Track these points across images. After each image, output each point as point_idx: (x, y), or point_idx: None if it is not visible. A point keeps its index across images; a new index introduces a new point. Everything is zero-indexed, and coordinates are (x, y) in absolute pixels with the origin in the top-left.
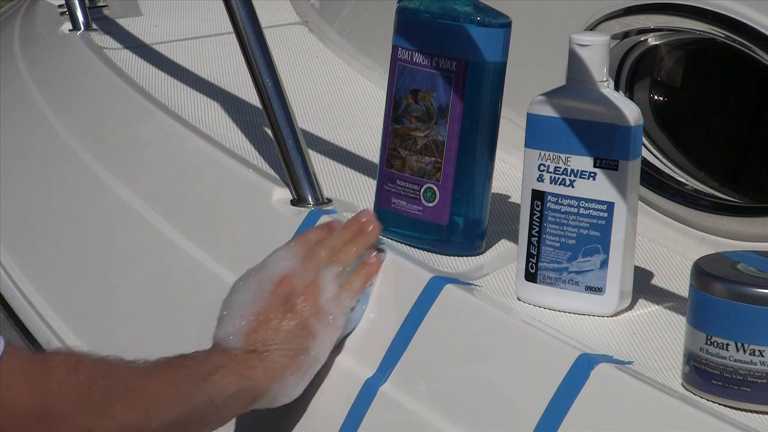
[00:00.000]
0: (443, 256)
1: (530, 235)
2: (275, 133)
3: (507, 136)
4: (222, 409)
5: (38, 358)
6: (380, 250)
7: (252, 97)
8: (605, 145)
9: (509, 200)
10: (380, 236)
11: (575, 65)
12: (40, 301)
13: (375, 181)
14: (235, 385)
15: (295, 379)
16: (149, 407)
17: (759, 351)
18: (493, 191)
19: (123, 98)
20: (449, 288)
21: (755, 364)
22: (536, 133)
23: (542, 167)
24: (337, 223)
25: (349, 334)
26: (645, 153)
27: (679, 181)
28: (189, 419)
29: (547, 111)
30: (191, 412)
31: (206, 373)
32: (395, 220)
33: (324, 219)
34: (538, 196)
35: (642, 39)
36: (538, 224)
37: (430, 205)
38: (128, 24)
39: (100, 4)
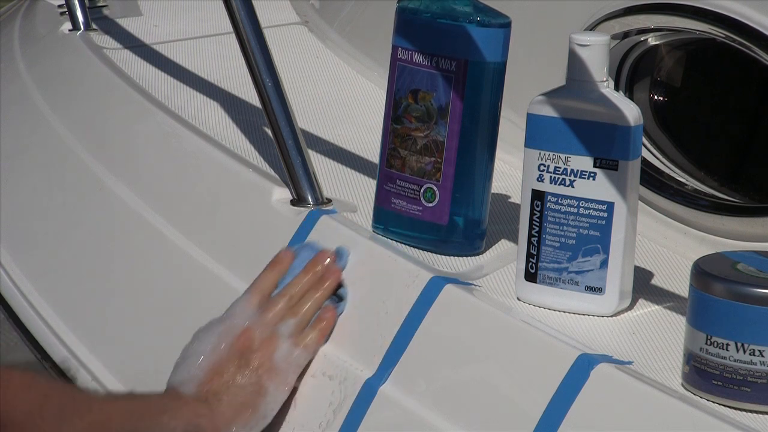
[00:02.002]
0: (443, 256)
1: (530, 235)
2: (275, 133)
3: (507, 136)
4: None
5: None
6: (339, 299)
7: (252, 97)
8: (605, 145)
9: (509, 200)
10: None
11: (575, 65)
12: (40, 301)
13: (375, 181)
14: (182, 429)
15: None
16: (100, 428)
17: (759, 351)
18: (493, 191)
19: (123, 98)
20: (449, 288)
21: (755, 364)
22: (536, 133)
23: (542, 167)
24: (286, 255)
25: None
26: (645, 153)
27: (679, 181)
28: None
29: (547, 111)
30: None
31: (157, 411)
32: (395, 220)
33: (324, 220)
34: (538, 196)
35: (642, 39)
36: (538, 224)
37: (430, 205)
38: (128, 24)
39: (100, 4)
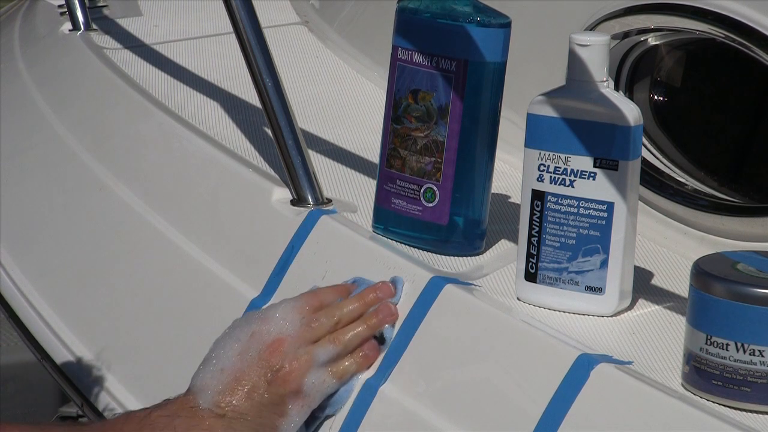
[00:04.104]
0: (443, 256)
1: (530, 235)
2: (275, 133)
3: (507, 136)
4: None
5: None
6: (382, 340)
7: (252, 97)
8: (605, 145)
9: (509, 200)
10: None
11: (575, 65)
12: (40, 301)
13: (375, 181)
14: None
15: None
16: None
17: (759, 351)
18: (493, 191)
19: (123, 98)
20: (449, 288)
21: (755, 364)
22: (536, 133)
23: (542, 167)
24: (354, 287)
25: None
26: (645, 153)
27: (679, 181)
28: None
29: (547, 111)
30: None
31: None
32: (395, 220)
33: (324, 220)
34: (538, 196)
35: (642, 39)
36: (538, 224)
37: (430, 205)
38: (128, 24)
39: (100, 4)
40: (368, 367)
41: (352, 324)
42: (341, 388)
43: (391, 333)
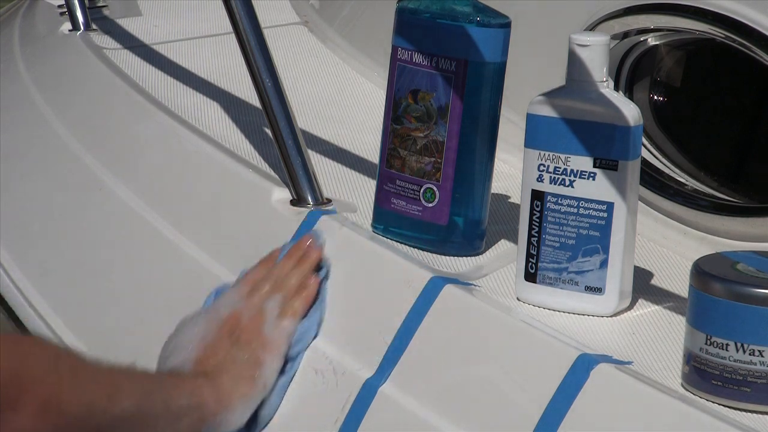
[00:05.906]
0: (443, 256)
1: (530, 235)
2: (275, 133)
3: (507, 136)
4: (175, 421)
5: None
6: (319, 268)
7: (252, 97)
8: (605, 145)
9: (509, 200)
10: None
11: (575, 65)
12: (40, 301)
13: (375, 181)
14: (186, 399)
15: (242, 407)
16: (112, 391)
17: (759, 351)
18: (493, 191)
19: (123, 98)
20: (449, 288)
21: (755, 364)
22: (536, 133)
23: (542, 167)
24: (275, 252)
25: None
26: (645, 153)
27: (679, 181)
28: (147, 417)
29: (547, 111)
30: (150, 409)
31: (161, 381)
32: (395, 221)
33: (323, 220)
34: (537, 196)
35: (642, 39)
36: (537, 224)
37: (430, 205)
38: (128, 24)
39: (100, 4)
40: (316, 298)
41: (289, 274)
42: (304, 324)
43: (327, 263)
